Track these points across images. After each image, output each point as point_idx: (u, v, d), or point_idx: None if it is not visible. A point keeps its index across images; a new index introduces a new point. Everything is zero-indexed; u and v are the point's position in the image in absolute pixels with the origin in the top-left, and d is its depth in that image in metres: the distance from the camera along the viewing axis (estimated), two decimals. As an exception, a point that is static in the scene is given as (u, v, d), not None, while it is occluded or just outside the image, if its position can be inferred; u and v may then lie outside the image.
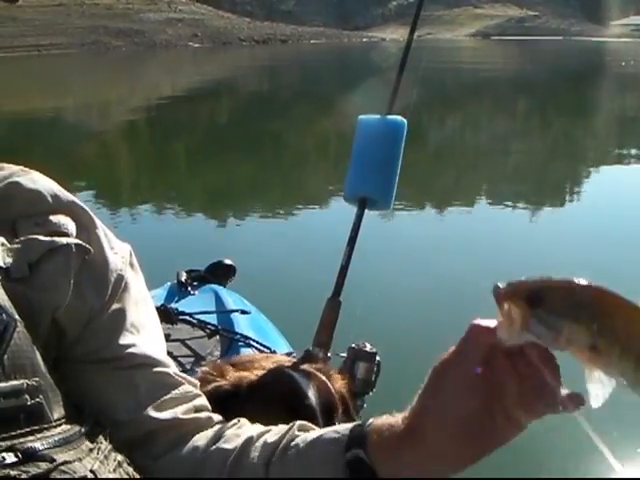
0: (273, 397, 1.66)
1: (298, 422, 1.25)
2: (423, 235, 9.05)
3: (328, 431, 1.17)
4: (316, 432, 1.20)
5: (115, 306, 1.27)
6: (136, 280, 1.35)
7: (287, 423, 1.25)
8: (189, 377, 1.35)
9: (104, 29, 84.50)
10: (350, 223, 2.44)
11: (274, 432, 1.24)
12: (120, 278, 1.29)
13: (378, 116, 2.41)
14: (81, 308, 1.20)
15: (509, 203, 11.24)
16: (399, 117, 2.41)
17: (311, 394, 1.68)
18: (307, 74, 43.45)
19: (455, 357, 1.02)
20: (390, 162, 2.38)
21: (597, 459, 4.10)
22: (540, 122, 22.97)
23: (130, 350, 1.25)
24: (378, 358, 2.50)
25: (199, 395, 1.34)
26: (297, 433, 1.21)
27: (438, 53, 66.63)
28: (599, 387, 0.91)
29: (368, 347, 2.50)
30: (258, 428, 1.28)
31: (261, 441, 1.21)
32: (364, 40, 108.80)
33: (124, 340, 1.25)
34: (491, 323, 0.98)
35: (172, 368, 1.32)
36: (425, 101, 26.24)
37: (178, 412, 1.25)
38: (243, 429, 1.28)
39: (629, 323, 0.87)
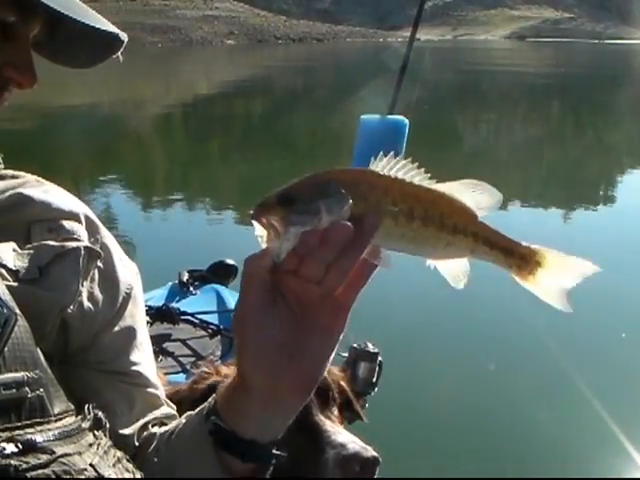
0: None
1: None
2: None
3: (198, 409, 1.20)
4: (192, 412, 1.24)
5: (128, 321, 1.32)
6: (141, 298, 1.40)
7: None
8: (169, 402, 1.42)
9: (140, 25, 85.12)
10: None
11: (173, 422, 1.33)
12: (130, 291, 1.33)
13: (379, 116, 2.40)
14: (93, 312, 1.24)
15: (519, 202, 11.21)
16: (401, 117, 2.40)
17: None
18: (341, 73, 43.46)
19: (244, 295, 1.00)
20: (392, 162, 2.37)
21: (623, 459, 4.10)
22: (573, 125, 22.86)
23: (136, 368, 1.32)
24: (380, 358, 2.49)
25: (174, 416, 1.39)
26: (182, 420, 1.26)
27: (473, 54, 66.54)
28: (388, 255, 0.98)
29: (370, 347, 2.49)
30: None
31: (160, 432, 1.30)
32: (399, 40, 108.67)
33: (134, 357, 1.32)
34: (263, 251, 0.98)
35: (160, 390, 1.39)
36: (458, 102, 26.26)
37: (156, 433, 1.32)
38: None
39: (374, 186, 0.95)
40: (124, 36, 1.24)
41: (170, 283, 3.58)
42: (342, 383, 1.91)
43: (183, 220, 9.94)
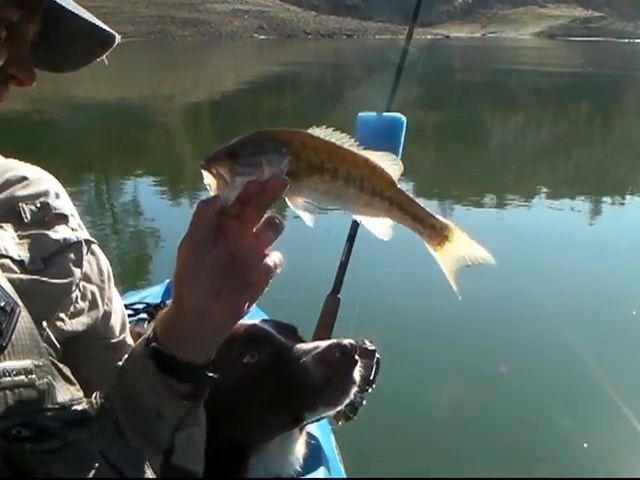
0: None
1: None
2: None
3: (142, 337, 1.32)
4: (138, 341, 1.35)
5: (114, 295, 1.45)
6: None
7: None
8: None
9: (170, 19, 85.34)
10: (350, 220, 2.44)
11: None
12: (108, 266, 1.44)
13: (376, 113, 2.41)
14: (93, 293, 1.35)
15: (520, 196, 11.18)
16: (398, 114, 2.40)
17: (264, 323, 1.71)
18: (370, 68, 43.31)
19: (193, 230, 1.14)
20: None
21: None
22: (601, 125, 22.70)
23: (126, 339, 1.50)
24: (378, 355, 2.49)
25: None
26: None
27: (503, 52, 66.21)
28: (305, 209, 1.14)
29: (368, 344, 2.49)
30: None
31: None
32: (429, 37, 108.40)
33: (124, 330, 1.49)
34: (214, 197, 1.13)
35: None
36: (486, 101, 26.16)
37: None
38: None
39: (305, 145, 1.11)
40: (117, 37, 1.29)
41: (167, 280, 3.60)
42: None
43: (182, 217, 9.84)
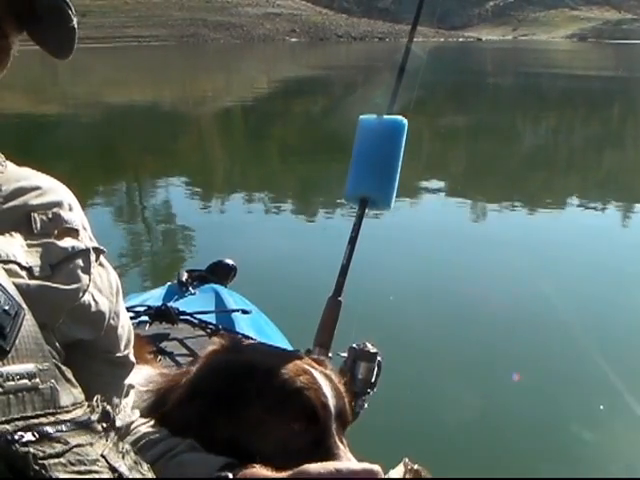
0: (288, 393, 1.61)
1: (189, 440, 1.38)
2: (424, 234, 8.75)
3: (206, 458, 1.31)
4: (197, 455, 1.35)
5: (122, 310, 1.42)
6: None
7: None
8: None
9: (203, 22, 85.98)
10: (351, 222, 2.44)
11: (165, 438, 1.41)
12: (117, 281, 1.41)
13: (376, 116, 2.40)
14: (100, 303, 1.33)
15: (517, 198, 11.08)
16: (399, 117, 2.39)
17: (330, 395, 1.65)
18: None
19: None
20: (390, 162, 2.36)
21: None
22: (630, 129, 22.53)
23: (129, 355, 1.47)
24: (379, 358, 2.49)
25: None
26: (184, 448, 1.36)
27: (533, 54, 65.93)
28: None
29: (370, 347, 2.49)
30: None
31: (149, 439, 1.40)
32: (460, 40, 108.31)
33: (129, 346, 1.46)
34: None
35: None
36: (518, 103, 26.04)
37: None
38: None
39: None
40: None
41: (169, 283, 3.60)
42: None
43: (182, 220, 9.78)
